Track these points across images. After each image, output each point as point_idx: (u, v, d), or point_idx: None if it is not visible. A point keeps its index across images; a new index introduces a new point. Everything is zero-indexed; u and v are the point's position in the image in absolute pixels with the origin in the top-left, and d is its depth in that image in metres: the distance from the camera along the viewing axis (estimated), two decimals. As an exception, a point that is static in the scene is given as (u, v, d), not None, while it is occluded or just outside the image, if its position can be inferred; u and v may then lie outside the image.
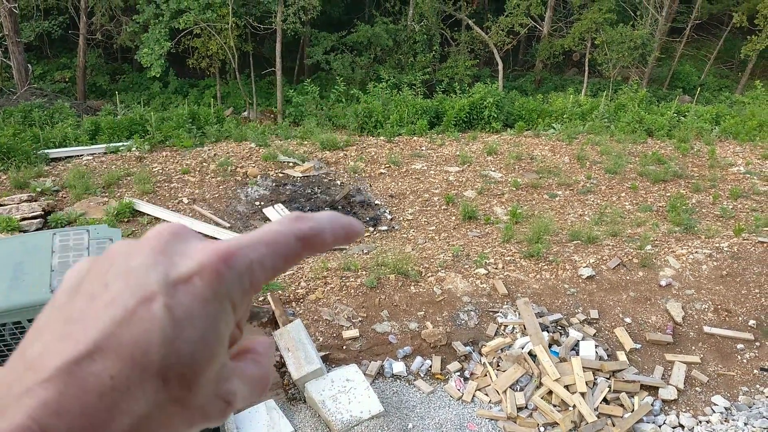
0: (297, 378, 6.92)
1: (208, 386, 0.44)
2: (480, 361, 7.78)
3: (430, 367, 7.66)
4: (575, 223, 11.59)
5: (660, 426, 7.11)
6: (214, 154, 13.38)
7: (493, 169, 14.07)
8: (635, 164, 14.63)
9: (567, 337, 8.02)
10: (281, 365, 7.23)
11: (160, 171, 12.52)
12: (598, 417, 6.96)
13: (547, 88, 25.44)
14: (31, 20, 23.65)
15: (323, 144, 14.48)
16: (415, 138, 16.01)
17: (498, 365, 7.68)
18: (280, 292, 8.48)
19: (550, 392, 7.22)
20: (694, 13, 26.42)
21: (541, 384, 7.33)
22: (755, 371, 7.96)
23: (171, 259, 0.45)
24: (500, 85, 23.02)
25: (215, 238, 9.45)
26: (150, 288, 0.42)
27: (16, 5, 19.34)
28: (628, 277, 9.45)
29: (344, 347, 7.73)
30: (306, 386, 6.87)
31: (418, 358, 7.71)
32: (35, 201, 10.86)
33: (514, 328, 8.17)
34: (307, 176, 12.89)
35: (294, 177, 12.77)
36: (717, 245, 10.41)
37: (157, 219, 10.72)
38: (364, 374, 7.20)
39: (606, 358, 7.83)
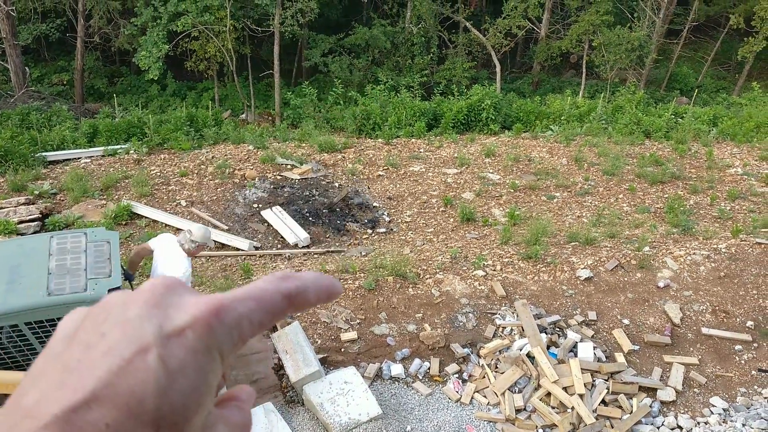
0: (295, 380, 6.91)
1: None
2: (478, 363, 7.78)
3: (429, 369, 7.65)
4: (573, 225, 11.60)
5: (658, 427, 7.11)
6: (212, 157, 13.37)
7: (491, 171, 14.08)
8: (633, 166, 14.64)
9: (565, 338, 8.02)
10: (279, 368, 7.22)
11: (158, 173, 12.51)
12: (597, 419, 6.96)
13: (544, 90, 25.47)
14: (28, 23, 23.65)
15: (321, 146, 14.48)
16: (413, 140, 16.02)
17: (496, 367, 7.67)
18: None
19: (549, 394, 7.22)
20: (691, 15, 26.47)
21: (539, 386, 7.33)
22: (753, 372, 7.97)
23: (165, 311, 0.47)
24: (498, 87, 23.05)
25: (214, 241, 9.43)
26: (145, 339, 0.44)
27: (14, 8, 19.34)
28: (626, 279, 9.46)
29: (342, 349, 7.72)
30: (304, 389, 6.87)
31: (417, 360, 7.70)
32: (33, 204, 10.85)
33: (512, 329, 8.17)
34: (305, 178, 12.89)
35: (292, 179, 12.77)
36: (715, 246, 10.42)
37: (155, 222, 10.71)
38: (363, 376, 7.20)
39: (604, 359, 7.83)
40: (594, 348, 7.85)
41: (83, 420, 0.41)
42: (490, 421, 7.02)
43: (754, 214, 12.26)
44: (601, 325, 8.49)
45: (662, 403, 7.39)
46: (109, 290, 4.87)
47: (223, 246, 10.26)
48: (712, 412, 7.36)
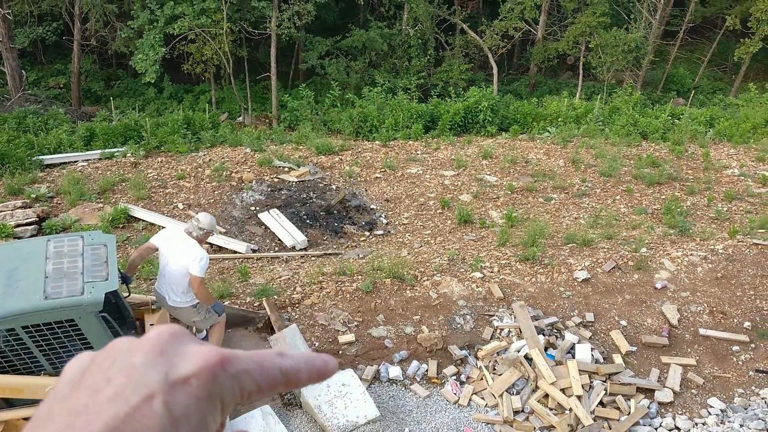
0: (293, 383, 6.89)
1: None
2: (476, 364, 7.78)
3: (427, 371, 7.65)
4: (570, 227, 11.61)
5: (656, 429, 7.11)
6: (210, 160, 13.36)
7: (488, 172, 14.09)
8: (630, 167, 14.67)
9: (563, 340, 8.02)
10: (277, 370, 7.21)
11: (156, 176, 12.50)
12: (595, 420, 6.96)
13: (541, 92, 25.50)
14: (25, 26, 23.61)
15: (318, 149, 14.48)
16: (410, 142, 16.03)
17: (494, 369, 7.67)
18: (275, 297, 8.46)
19: (547, 396, 7.22)
20: (687, 16, 26.53)
21: (537, 387, 7.33)
22: (750, 373, 7.98)
23: (171, 360, 0.49)
24: (495, 88, 23.07)
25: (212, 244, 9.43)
26: (151, 387, 0.46)
27: (10, 11, 19.31)
28: (623, 280, 9.47)
29: (340, 352, 7.71)
30: (302, 391, 6.86)
31: (414, 363, 7.70)
32: (30, 207, 10.83)
33: (509, 331, 8.17)
34: (302, 181, 12.89)
35: (289, 182, 12.76)
36: (712, 247, 10.44)
37: (153, 225, 10.70)
38: (360, 379, 7.19)
39: (602, 361, 7.84)
40: (592, 349, 7.86)
41: None
42: (488, 423, 7.02)
43: (751, 215, 12.28)
44: (598, 327, 8.49)
45: (660, 404, 7.40)
46: (106, 293, 4.86)
47: (220, 249, 10.25)
48: (709, 413, 7.36)
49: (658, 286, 9.31)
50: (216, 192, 12.09)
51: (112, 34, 22.98)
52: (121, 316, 5.45)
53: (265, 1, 20.84)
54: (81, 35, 22.27)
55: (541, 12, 25.48)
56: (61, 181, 12.00)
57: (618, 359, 7.89)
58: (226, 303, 7.85)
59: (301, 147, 14.83)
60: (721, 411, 7.40)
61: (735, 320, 8.74)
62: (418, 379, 7.56)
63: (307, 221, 11.41)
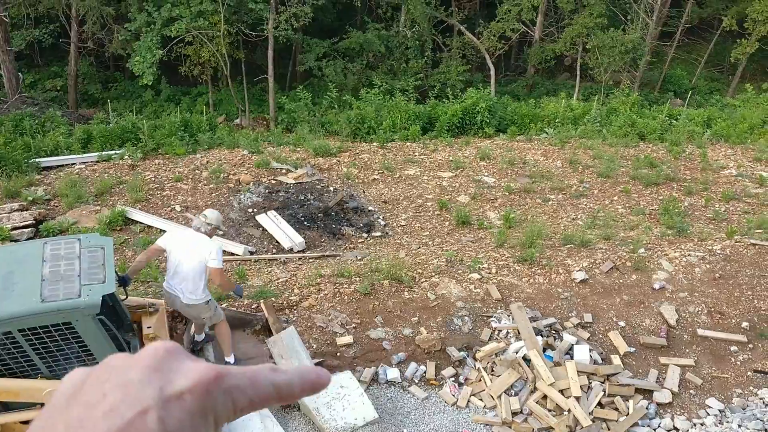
0: (291, 385, 6.88)
1: None
2: (474, 366, 7.78)
3: (425, 372, 7.64)
4: (568, 227, 11.61)
5: (655, 429, 7.12)
6: (207, 162, 13.35)
7: (486, 174, 14.10)
8: (627, 168, 14.68)
9: (561, 341, 8.02)
10: (275, 373, 7.19)
11: (153, 179, 12.48)
12: (593, 421, 6.95)
13: (539, 93, 25.51)
14: (21, 29, 23.54)
15: (316, 150, 14.47)
16: (408, 144, 16.02)
17: (492, 370, 7.67)
18: (273, 299, 8.45)
19: (545, 397, 7.21)
20: (684, 17, 26.58)
21: (535, 388, 7.32)
22: (749, 373, 7.99)
23: (166, 375, 0.50)
24: (492, 90, 23.06)
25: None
26: (146, 402, 0.47)
27: (7, 13, 19.29)
28: (621, 281, 9.47)
29: (338, 354, 7.70)
30: (300, 394, 6.83)
31: (413, 364, 7.69)
32: (27, 210, 10.80)
33: (508, 332, 8.17)
34: (300, 183, 12.87)
35: (287, 184, 12.75)
36: (710, 248, 10.45)
37: (150, 227, 10.68)
38: (359, 381, 7.18)
39: (600, 361, 7.84)
40: (590, 350, 7.86)
41: None
42: (487, 425, 7.01)
43: (749, 216, 12.30)
44: (596, 328, 8.49)
45: (658, 404, 7.40)
46: (103, 296, 4.85)
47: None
48: (708, 414, 7.37)
49: (656, 286, 9.31)
50: (213, 194, 12.07)
51: (109, 36, 22.94)
52: (119, 319, 5.44)
53: (262, 3, 20.82)
54: (78, 37, 22.26)
55: (538, 13, 25.52)
56: (58, 184, 11.97)
57: (616, 360, 7.89)
58: (224, 306, 7.84)
59: (298, 149, 14.82)
60: (720, 411, 7.41)
61: (733, 320, 8.75)
62: (417, 381, 7.55)
63: (305, 223, 11.40)
